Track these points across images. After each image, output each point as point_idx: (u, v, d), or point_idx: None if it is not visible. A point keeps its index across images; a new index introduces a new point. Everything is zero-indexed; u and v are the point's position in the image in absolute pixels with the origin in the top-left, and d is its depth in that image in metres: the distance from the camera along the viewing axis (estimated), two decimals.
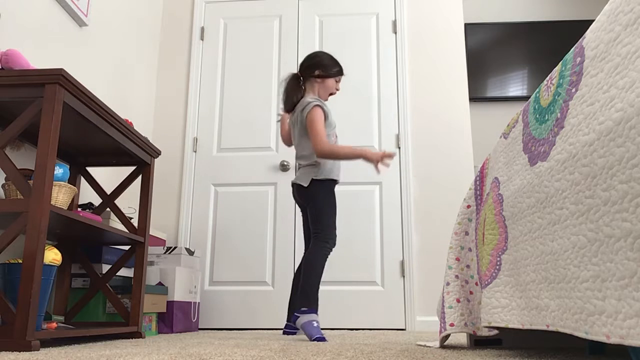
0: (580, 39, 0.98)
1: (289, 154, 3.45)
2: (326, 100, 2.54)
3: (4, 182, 1.86)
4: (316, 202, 2.38)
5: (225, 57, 3.67)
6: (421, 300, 3.19)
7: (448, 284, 1.68)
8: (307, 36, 3.64)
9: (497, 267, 1.32)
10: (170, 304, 2.68)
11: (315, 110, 2.34)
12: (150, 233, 2.97)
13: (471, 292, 1.65)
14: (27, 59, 1.82)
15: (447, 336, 1.64)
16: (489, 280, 1.35)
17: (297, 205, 3.01)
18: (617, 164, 0.76)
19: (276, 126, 3.52)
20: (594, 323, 0.82)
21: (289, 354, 1.37)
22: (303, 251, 2.86)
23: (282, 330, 2.56)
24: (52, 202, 1.87)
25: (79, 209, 2.39)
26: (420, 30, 3.62)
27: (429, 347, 1.68)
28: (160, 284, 2.72)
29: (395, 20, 3.63)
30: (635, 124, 0.72)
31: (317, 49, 3.59)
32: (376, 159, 2.35)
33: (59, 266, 2.30)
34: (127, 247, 2.55)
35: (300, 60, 3.62)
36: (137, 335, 2.16)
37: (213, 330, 3.05)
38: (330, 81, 2.52)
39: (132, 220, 2.96)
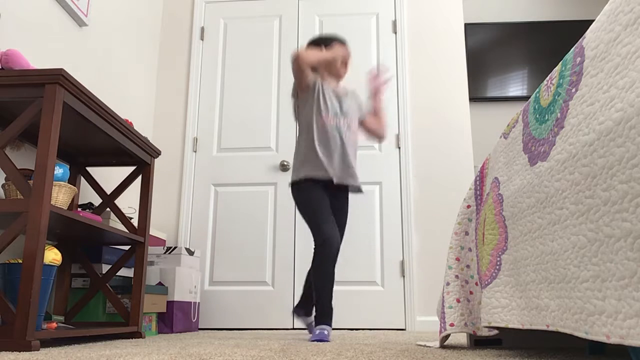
0: (580, 39, 0.98)
1: (289, 154, 3.45)
2: (339, 76, 2.40)
3: (4, 182, 1.86)
4: (298, 208, 2.27)
5: (225, 57, 3.67)
6: (421, 300, 3.19)
7: (448, 284, 1.68)
8: (307, 36, 3.64)
9: (497, 267, 1.32)
10: (170, 304, 2.68)
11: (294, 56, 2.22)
12: (150, 233, 2.97)
13: (471, 292, 1.65)
14: (27, 59, 1.82)
15: (447, 336, 1.64)
16: (489, 280, 1.35)
17: None
18: (617, 164, 0.76)
19: (276, 126, 3.52)
20: (594, 323, 0.82)
21: (289, 354, 1.37)
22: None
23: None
24: (52, 202, 1.87)
25: (79, 209, 2.39)
26: (420, 30, 3.62)
27: (429, 347, 1.68)
28: (160, 284, 2.72)
29: (395, 20, 3.63)
30: (635, 124, 0.72)
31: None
32: (338, 55, 2.35)
33: (59, 266, 2.30)
34: (127, 247, 2.55)
35: None
36: (137, 335, 2.16)
37: (213, 330, 3.05)
38: (338, 48, 2.38)
39: (132, 220, 2.96)
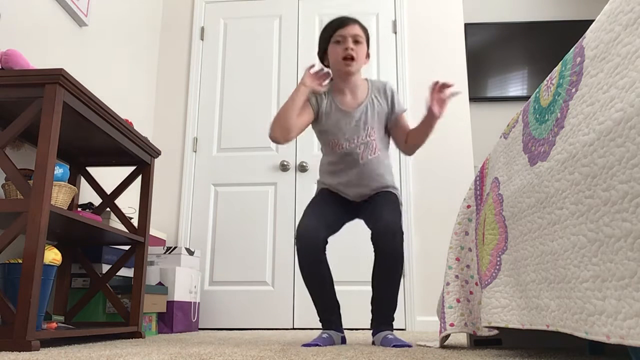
0: (580, 39, 0.98)
1: (289, 154, 3.45)
2: (347, 74, 1.94)
3: (4, 182, 1.86)
4: None
5: (225, 57, 3.67)
6: (421, 300, 3.19)
7: (448, 284, 1.68)
8: (307, 36, 3.64)
9: (497, 267, 1.32)
10: (170, 304, 2.68)
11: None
12: (150, 233, 2.97)
13: (471, 292, 1.65)
14: (27, 59, 1.82)
15: (447, 336, 1.64)
16: (489, 280, 1.35)
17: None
18: (617, 164, 0.76)
19: None
20: (594, 323, 0.82)
21: (289, 354, 1.37)
22: None
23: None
24: (52, 202, 1.87)
25: (79, 209, 2.39)
26: (420, 30, 3.62)
27: (429, 347, 1.68)
28: (160, 284, 2.72)
29: (395, 20, 3.63)
30: (635, 124, 0.72)
31: (317, 49, 3.59)
32: (307, 81, 1.89)
33: (59, 266, 2.30)
34: (127, 247, 2.55)
35: (300, 60, 3.62)
36: (137, 335, 2.16)
37: (213, 330, 3.05)
38: (333, 51, 1.95)
39: (132, 220, 2.96)
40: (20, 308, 1.48)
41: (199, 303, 3.02)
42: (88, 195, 2.66)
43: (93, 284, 2.24)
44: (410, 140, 2.01)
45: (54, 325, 1.77)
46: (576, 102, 0.94)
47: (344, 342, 1.94)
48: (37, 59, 2.30)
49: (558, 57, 4.23)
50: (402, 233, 1.85)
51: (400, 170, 3.37)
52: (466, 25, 4.31)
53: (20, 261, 1.62)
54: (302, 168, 3.40)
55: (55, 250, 1.70)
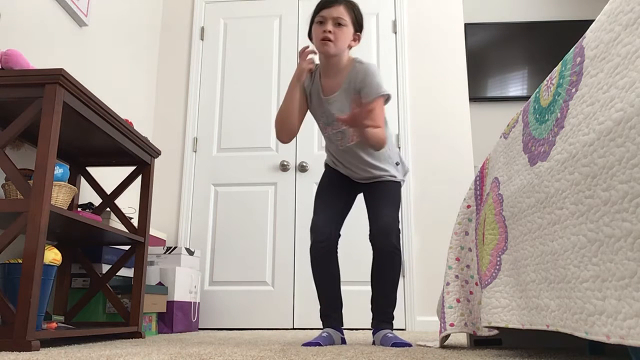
0: (580, 39, 0.98)
1: (289, 154, 3.45)
2: (325, 56, 1.91)
3: (4, 182, 1.86)
4: None
5: (225, 57, 3.67)
6: (421, 300, 3.19)
7: (448, 284, 1.68)
8: (307, 36, 3.63)
9: (497, 267, 1.32)
10: (170, 304, 2.68)
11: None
12: (150, 233, 2.97)
13: (471, 292, 1.65)
14: (27, 59, 1.81)
15: (447, 336, 1.64)
16: (489, 280, 1.35)
17: None
18: (617, 164, 0.76)
19: None
20: (594, 323, 0.82)
21: (289, 354, 1.37)
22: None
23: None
24: (52, 202, 1.87)
25: (79, 209, 2.39)
26: (420, 30, 3.61)
27: (429, 347, 1.68)
28: (160, 284, 2.72)
29: (395, 20, 3.63)
30: (635, 124, 0.72)
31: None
32: (302, 67, 1.90)
33: (59, 266, 2.30)
34: (127, 247, 2.55)
35: (299, 60, 3.62)
36: (137, 335, 2.16)
37: (213, 330, 3.05)
38: (314, 32, 1.93)
39: (132, 220, 2.96)
40: (20, 308, 1.48)
41: (199, 303, 3.02)
42: (88, 195, 2.66)
43: (93, 284, 2.24)
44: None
45: (54, 325, 1.77)
46: (576, 102, 0.94)
47: (343, 342, 1.94)
48: (37, 59, 2.30)
49: (558, 57, 4.23)
50: (398, 231, 1.91)
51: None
52: (466, 25, 4.31)
53: (20, 261, 1.62)
54: (302, 168, 3.40)
55: (55, 250, 1.70)
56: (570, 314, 0.90)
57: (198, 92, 3.62)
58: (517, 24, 4.34)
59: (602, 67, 0.87)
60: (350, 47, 1.94)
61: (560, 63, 1.05)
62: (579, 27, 4.28)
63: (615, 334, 0.75)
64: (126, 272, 2.45)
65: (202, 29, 3.72)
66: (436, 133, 3.44)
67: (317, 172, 3.36)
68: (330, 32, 1.85)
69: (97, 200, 2.71)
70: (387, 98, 1.93)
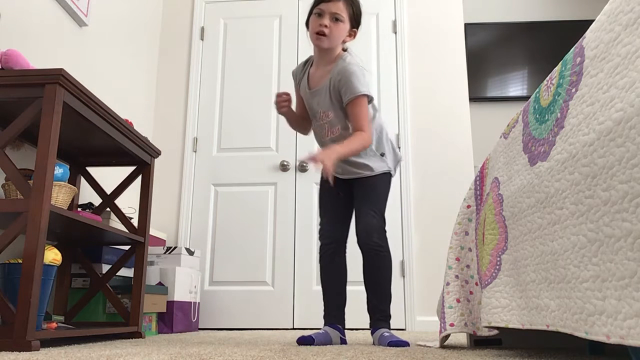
0: (580, 39, 0.98)
1: (289, 154, 3.45)
2: (318, 49, 1.95)
3: (4, 182, 1.86)
4: None
5: (225, 57, 3.67)
6: (421, 300, 3.18)
7: (448, 284, 1.68)
8: (307, 36, 3.63)
9: (497, 267, 1.32)
10: (170, 304, 2.68)
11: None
12: (150, 233, 2.96)
13: (471, 292, 1.65)
14: (27, 59, 1.81)
15: (447, 336, 1.64)
16: (489, 280, 1.35)
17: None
18: (617, 164, 0.76)
19: (276, 126, 3.52)
20: (594, 323, 0.82)
21: (289, 354, 1.37)
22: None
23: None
24: (52, 202, 1.87)
25: (79, 209, 2.39)
26: (420, 30, 3.61)
27: (429, 347, 1.68)
28: (160, 284, 2.72)
29: (395, 20, 3.63)
30: (635, 124, 0.72)
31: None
32: (279, 112, 1.99)
33: (59, 266, 2.30)
34: (127, 247, 2.55)
35: (299, 60, 3.62)
36: (137, 335, 2.16)
37: (213, 330, 3.05)
38: (310, 24, 1.95)
39: (132, 220, 2.96)
40: (20, 308, 1.48)
41: (199, 303, 3.02)
42: (88, 195, 2.66)
43: (93, 284, 2.24)
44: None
45: (54, 325, 1.77)
46: (576, 102, 0.94)
47: (343, 342, 1.93)
48: (37, 59, 2.30)
49: (558, 57, 4.22)
50: (381, 228, 1.93)
51: (400, 170, 3.37)
52: (466, 25, 4.31)
53: (20, 261, 1.62)
54: (302, 168, 3.40)
55: (55, 250, 1.70)
56: (570, 314, 0.90)
57: (198, 92, 3.62)
58: (517, 24, 4.34)
59: (602, 67, 0.87)
60: (344, 42, 1.96)
61: (560, 63, 1.05)
62: (579, 27, 4.28)
63: (615, 334, 0.75)
64: (126, 272, 2.45)
65: (202, 29, 3.72)
66: (436, 133, 3.44)
67: (317, 172, 3.36)
68: (326, 26, 1.87)
69: (97, 200, 2.71)
70: (368, 98, 1.91)
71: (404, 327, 3.15)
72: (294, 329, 3.18)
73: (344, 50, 2.00)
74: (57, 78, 1.63)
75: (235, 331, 2.96)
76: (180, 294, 2.75)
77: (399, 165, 2.18)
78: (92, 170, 2.73)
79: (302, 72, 2.04)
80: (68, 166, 2.35)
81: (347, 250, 2.03)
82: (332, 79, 1.92)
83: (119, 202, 3.02)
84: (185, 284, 2.81)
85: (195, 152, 3.53)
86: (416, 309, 3.17)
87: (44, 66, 2.34)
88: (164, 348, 1.57)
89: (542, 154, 1.06)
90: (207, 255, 3.35)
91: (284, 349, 1.57)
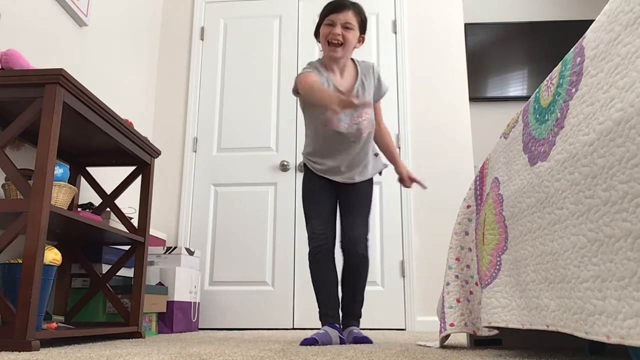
0: (580, 39, 0.98)
1: (289, 154, 3.45)
2: (332, 58, 2.02)
3: (4, 182, 1.86)
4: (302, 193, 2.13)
5: (225, 57, 3.67)
6: (421, 300, 3.19)
7: (448, 284, 1.68)
8: (307, 36, 3.64)
9: (497, 267, 1.32)
10: (170, 304, 2.68)
11: (298, 77, 1.98)
12: (150, 233, 2.97)
13: (471, 292, 1.65)
14: (27, 59, 1.81)
15: (447, 336, 1.64)
16: (489, 280, 1.35)
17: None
18: (617, 164, 0.76)
19: (276, 126, 3.52)
20: (594, 323, 0.82)
21: (289, 354, 1.37)
22: None
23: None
24: (52, 202, 1.87)
25: (79, 209, 2.39)
26: (420, 30, 3.61)
27: (429, 347, 1.68)
28: (160, 284, 2.72)
29: (395, 20, 3.63)
30: (635, 124, 0.72)
31: (316, 48, 3.59)
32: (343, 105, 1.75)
33: (59, 266, 2.30)
34: (127, 247, 2.55)
35: (299, 60, 3.62)
36: (137, 335, 2.16)
37: (213, 330, 3.05)
38: (322, 32, 2.02)
39: (132, 220, 2.96)
40: (20, 308, 1.48)
41: (199, 303, 3.02)
42: (88, 195, 2.66)
43: (93, 284, 2.24)
44: (378, 143, 2.22)
45: (54, 325, 1.77)
46: (576, 102, 0.94)
47: (342, 342, 1.94)
48: (37, 59, 2.30)
49: (558, 57, 4.23)
50: (367, 239, 2.07)
51: None
52: (466, 25, 4.31)
53: (20, 261, 1.62)
54: (302, 168, 3.40)
55: (55, 250, 1.70)
56: (570, 314, 0.90)
57: (198, 92, 3.62)
58: (517, 24, 4.34)
59: (602, 67, 0.87)
60: (355, 47, 2.07)
61: (560, 63, 1.05)
62: (579, 27, 4.28)
63: (615, 334, 0.75)
64: (126, 272, 2.45)
65: (202, 29, 3.72)
66: (436, 133, 3.44)
67: None
68: (339, 34, 1.98)
69: (97, 200, 2.71)
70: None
71: (404, 327, 3.15)
72: (294, 329, 3.18)
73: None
74: (57, 78, 1.63)
75: (235, 331, 2.96)
76: (180, 294, 2.75)
77: None
78: (92, 170, 2.73)
79: (322, 77, 2.03)
80: (68, 166, 2.35)
81: (341, 252, 2.09)
82: (363, 77, 2.08)
83: (119, 202, 3.02)
84: (185, 284, 2.81)
85: (195, 152, 3.53)
86: (416, 309, 3.17)
87: (44, 66, 2.34)
88: (164, 348, 1.57)
89: (542, 154, 1.06)
90: (207, 255, 3.35)
91: (284, 349, 1.57)
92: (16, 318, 1.47)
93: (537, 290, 1.06)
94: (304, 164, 2.16)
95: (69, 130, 2.01)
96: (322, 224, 2.03)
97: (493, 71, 4.28)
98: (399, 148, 3.41)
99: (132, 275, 2.49)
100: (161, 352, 1.41)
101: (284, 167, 3.40)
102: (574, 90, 0.96)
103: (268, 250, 3.33)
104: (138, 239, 2.23)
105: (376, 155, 2.16)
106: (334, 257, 2.04)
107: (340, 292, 2.08)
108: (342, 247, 2.05)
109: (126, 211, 3.10)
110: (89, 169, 2.72)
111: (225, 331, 2.96)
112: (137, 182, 3.28)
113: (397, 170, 2.23)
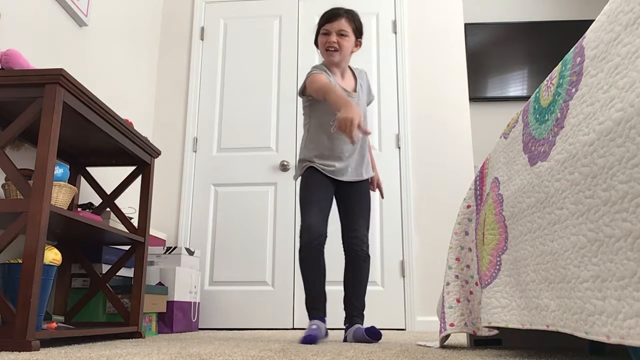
0: (580, 39, 0.98)
1: (289, 154, 3.45)
2: (332, 64, 2.18)
3: (4, 182, 1.86)
4: (299, 191, 2.19)
5: (225, 57, 3.67)
6: (421, 300, 3.19)
7: (448, 284, 1.68)
8: (307, 36, 3.64)
9: (497, 267, 1.32)
10: (170, 304, 2.68)
11: (309, 78, 2.09)
12: (150, 233, 2.97)
13: (471, 292, 1.65)
14: (27, 59, 1.81)
15: (447, 336, 1.64)
16: (489, 280, 1.35)
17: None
18: (617, 164, 0.76)
19: (276, 126, 3.52)
20: (594, 323, 0.82)
21: (289, 354, 1.37)
22: None
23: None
24: (52, 202, 1.87)
25: (79, 209, 2.39)
26: (420, 30, 3.62)
27: (429, 347, 1.68)
28: (160, 284, 2.72)
29: (395, 20, 3.63)
30: (635, 124, 0.72)
31: (316, 48, 3.59)
32: (349, 124, 1.80)
33: (59, 266, 2.30)
34: (127, 247, 2.55)
35: (299, 60, 3.62)
36: (137, 335, 2.16)
37: (213, 330, 3.05)
38: (320, 41, 2.19)
39: (132, 220, 2.96)
40: (20, 308, 1.48)
41: (199, 303, 3.02)
42: (88, 195, 2.66)
43: (93, 284, 2.24)
44: None
45: (54, 325, 1.77)
46: (576, 102, 0.94)
47: (326, 334, 2.08)
48: (37, 59, 2.30)
49: (558, 57, 4.23)
50: (368, 238, 2.17)
51: (400, 170, 3.37)
52: (466, 25, 4.31)
53: (20, 261, 1.62)
54: (300, 172, 3.39)
55: (55, 250, 1.70)
56: (570, 314, 0.90)
57: (198, 92, 3.62)
58: (517, 24, 4.34)
59: (602, 67, 0.87)
60: (352, 52, 2.22)
61: (560, 63, 1.05)
62: (579, 27, 4.28)
63: (615, 334, 0.75)
64: (126, 272, 2.45)
65: (202, 29, 3.72)
66: (436, 133, 3.44)
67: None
68: (335, 42, 2.14)
69: (97, 200, 2.71)
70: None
71: (404, 327, 3.15)
72: (294, 329, 3.18)
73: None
74: (57, 78, 1.63)
75: (235, 331, 2.96)
76: (180, 294, 2.75)
77: None
78: (92, 170, 2.73)
79: (330, 77, 2.15)
80: (68, 166, 2.35)
81: (325, 251, 2.13)
82: (361, 82, 2.26)
83: (119, 202, 3.02)
84: (185, 284, 2.81)
85: (195, 152, 3.53)
86: (416, 309, 3.17)
87: (44, 66, 2.34)
88: (164, 348, 1.57)
89: (542, 154, 1.06)
90: (207, 255, 3.35)
91: (284, 348, 1.57)
92: (16, 318, 1.47)
93: (537, 290, 1.06)
94: (307, 167, 2.18)
95: (69, 130, 2.01)
96: (319, 218, 2.07)
97: (493, 71, 4.28)
98: (399, 148, 3.41)
99: (132, 275, 2.49)
100: (161, 352, 1.41)
101: (284, 167, 3.40)
102: (574, 90, 0.96)
103: (268, 250, 3.33)
104: (138, 239, 2.23)
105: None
106: (324, 252, 2.11)
107: (343, 291, 2.16)
108: (346, 247, 2.15)
109: (126, 211, 3.10)
110: (89, 169, 2.72)
111: (225, 331, 2.96)
112: (137, 182, 3.28)
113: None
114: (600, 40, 0.89)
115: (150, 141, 3.12)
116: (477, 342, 1.76)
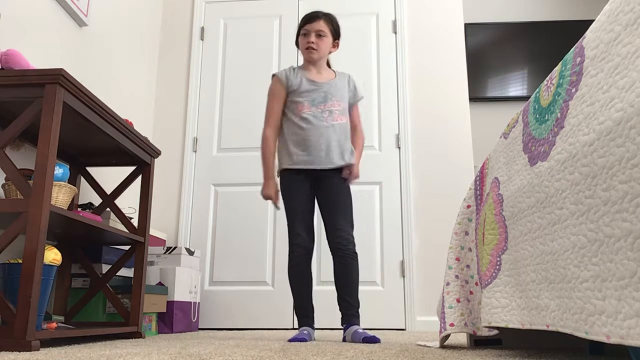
0: (580, 39, 0.98)
1: None
2: (310, 62, 2.31)
3: (4, 182, 1.86)
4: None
5: (225, 57, 3.67)
6: (421, 300, 3.18)
7: (448, 284, 1.68)
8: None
9: (497, 267, 1.32)
10: (170, 304, 2.68)
11: (269, 90, 2.32)
12: (150, 233, 2.97)
13: (471, 292, 1.65)
14: (27, 59, 1.81)
15: (447, 336, 1.64)
16: (489, 280, 1.35)
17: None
18: (617, 164, 0.76)
19: None
20: (594, 323, 0.82)
21: (289, 354, 1.37)
22: None
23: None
24: (52, 202, 1.87)
25: (79, 209, 2.39)
26: (420, 31, 3.61)
27: (429, 347, 1.68)
28: (160, 284, 2.72)
29: (395, 20, 3.63)
30: (635, 124, 0.72)
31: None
32: (265, 196, 2.24)
33: (59, 266, 2.30)
34: (127, 247, 2.55)
35: (299, 61, 3.62)
36: (137, 335, 2.16)
37: (213, 330, 3.05)
38: (300, 42, 2.32)
39: (132, 220, 2.96)
40: (20, 308, 1.48)
41: (199, 303, 3.02)
42: (88, 195, 2.66)
43: (93, 284, 2.24)
44: (352, 140, 2.35)
45: (54, 325, 1.77)
46: (576, 102, 0.94)
47: (314, 339, 2.17)
48: (37, 59, 2.30)
49: (558, 57, 4.23)
50: (353, 236, 2.21)
51: (400, 170, 3.37)
52: (466, 25, 4.31)
53: (20, 261, 1.62)
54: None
55: (55, 250, 1.70)
56: (570, 314, 0.90)
57: (198, 92, 3.62)
58: (517, 24, 4.34)
59: (602, 67, 0.87)
60: (330, 52, 2.34)
61: (560, 63, 1.05)
62: (579, 27, 4.28)
63: (615, 334, 0.75)
64: (126, 272, 2.45)
65: (202, 29, 3.72)
66: (436, 133, 3.44)
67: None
68: (313, 42, 2.26)
69: (97, 200, 2.71)
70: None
71: (404, 327, 3.15)
72: (294, 329, 3.18)
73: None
74: (57, 78, 1.63)
75: (235, 331, 2.96)
76: (180, 294, 2.75)
77: None
78: (92, 170, 2.73)
79: (295, 75, 2.30)
80: (68, 166, 2.35)
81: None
82: (339, 79, 2.34)
83: (119, 202, 3.02)
84: (185, 284, 2.81)
85: (195, 152, 3.53)
86: (416, 309, 3.17)
87: (44, 66, 2.34)
88: (164, 348, 1.57)
89: (542, 154, 1.06)
90: (207, 255, 3.35)
91: (284, 348, 1.57)
92: (16, 318, 1.47)
93: (537, 290, 1.06)
94: (280, 170, 2.28)
95: (69, 130, 2.01)
96: (306, 225, 2.19)
97: (493, 71, 4.28)
98: (399, 148, 3.41)
99: (132, 275, 2.49)
100: (161, 352, 1.41)
101: None
102: (574, 90, 0.96)
103: (268, 250, 3.33)
104: (138, 239, 2.23)
105: (352, 152, 2.33)
106: (311, 263, 2.22)
107: (336, 291, 2.21)
108: (332, 247, 2.19)
109: (126, 211, 3.10)
110: (89, 169, 2.72)
111: (225, 331, 2.96)
112: (137, 182, 3.28)
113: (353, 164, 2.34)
114: (600, 40, 0.89)
115: (150, 141, 3.12)
116: (477, 342, 1.76)
